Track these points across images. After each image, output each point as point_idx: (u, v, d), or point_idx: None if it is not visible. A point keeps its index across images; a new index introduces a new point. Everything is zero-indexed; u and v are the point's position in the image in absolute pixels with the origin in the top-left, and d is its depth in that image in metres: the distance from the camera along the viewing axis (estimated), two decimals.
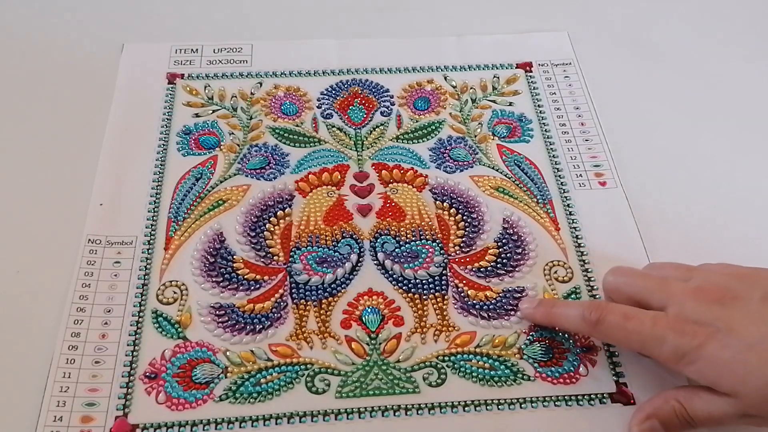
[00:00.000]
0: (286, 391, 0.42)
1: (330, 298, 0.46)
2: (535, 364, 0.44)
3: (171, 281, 0.47)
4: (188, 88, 0.58)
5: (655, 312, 0.39)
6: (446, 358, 0.44)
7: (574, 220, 0.51)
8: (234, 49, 0.60)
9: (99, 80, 0.58)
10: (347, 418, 0.41)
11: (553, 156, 0.54)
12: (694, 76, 0.61)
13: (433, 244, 0.49)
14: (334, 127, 0.56)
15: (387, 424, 0.41)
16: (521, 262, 0.48)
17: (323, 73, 0.59)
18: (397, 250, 0.49)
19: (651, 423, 0.39)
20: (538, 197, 0.52)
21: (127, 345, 0.44)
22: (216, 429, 0.41)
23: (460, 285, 0.47)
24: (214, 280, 0.47)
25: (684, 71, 0.61)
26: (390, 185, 0.52)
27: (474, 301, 0.46)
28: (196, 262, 0.48)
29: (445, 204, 0.51)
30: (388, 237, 0.49)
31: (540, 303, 0.45)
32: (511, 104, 0.58)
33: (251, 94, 0.58)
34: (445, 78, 0.59)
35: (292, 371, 0.43)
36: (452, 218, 0.51)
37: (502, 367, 0.44)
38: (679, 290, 0.40)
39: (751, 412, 0.37)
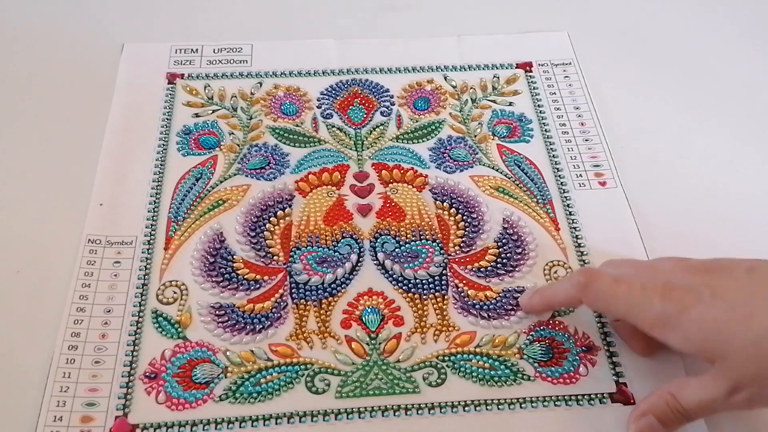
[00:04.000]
0: (286, 391, 0.42)
1: (330, 298, 0.46)
2: (535, 364, 0.44)
3: (171, 281, 0.47)
4: (188, 88, 0.58)
5: (645, 280, 0.40)
6: (446, 358, 0.44)
7: (574, 220, 0.51)
8: (234, 49, 0.60)
9: (99, 80, 0.58)
10: (347, 418, 0.41)
11: (553, 156, 0.54)
12: (694, 76, 0.61)
13: (433, 244, 0.49)
14: (334, 127, 0.56)
15: (387, 424, 0.41)
16: (521, 262, 0.48)
17: (323, 73, 0.59)
18: (397, 250, 0.49)
19: (647, 419, 0.39)
20: (538, 197, 0.52)
21: (127, 345, 0.44)
22: (216, 429, 0.41)
23: (460, 285, 0.47)
24: (214, 280, 0.47)
25: (684, 71, 0.61)
26: (390, 185, 0.52)
27: (474, 301, 0.46)
28: (196, 262, 0.48)
29: (445, 204, 0.51)
30: (388, 237, 0.49)
31: (536, 291, 0.46)
32: (511, 104, 0.58)
33: (251, 94, 0.58)
34: (445, 78, 0.59)
35: (292, 371, 0.43)
36: (452, 218, 0.51)
37: (502, 367, 0.44)
38: (667, 265, 0.41)
39: (738, 379, 0.36)
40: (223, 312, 0.45)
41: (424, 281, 0.47)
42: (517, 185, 0.52)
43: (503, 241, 0.49)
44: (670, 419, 0.39)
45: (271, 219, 0.50)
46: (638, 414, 0.40)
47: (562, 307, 0.46)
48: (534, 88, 0.59)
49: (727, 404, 0.37)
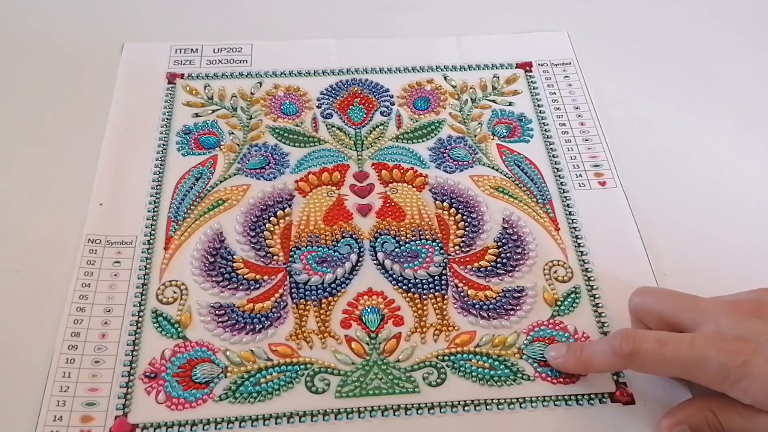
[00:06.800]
0: (285, 391, 0.42)
1: (330, 298, 0.46)
2: (535, 364, 0.44)
3: (171, 281, 0.47)
4: (188, 88, 0.58)
5: (690, 334, 0.38)
6: (446, 358, 0.44)
7: (574, 220, 0.50)
8: (234, 49, 0.60)
9: (99, 80, 0.58)
10: (347, 418, 0.41)
11: (553, 156, 0.54)
12: (694, 75, 0.61)
13: (433, 243, 0.49)
14: (333, 126, 0.56)
15: (387, 423, 0.41)
16: (521, 262, 0.48)
17: (323, 73, 0.59)
18: (396, 249, 0.49)
19: (682, 428, 0.39)
20: (538, 197, 0.52)
21: (127, 345, 0.44)
22: (216, 429, 0.41)
23: (460, 285, 0.47)
24: (214, 279, 0.47)
25: (684, 71, 0.61)
26: (390, 185, 0.52)
27: (474, 301, 0.46)
28: (196, 261, 0.48)
29: (444, 204, 0.51)
30: (388, 237, 0.49)
31: (568, 349, 0.43)
32: (510, 104, 0.58)
33: (251, 93, 0.58)
34: (445, 78, 0.59)
35: (291, 371, 0.43)
36: (452, 218, 0.51)
37: (502, 366, 0.44)
38: (711, 306, 0.39)
39: None
40: (223, 312, 0.45)
41: (423, 281, 0.47)
42: (517, 185, 0.52)
43: (503, 240, 0.49)
44: None
45: (271, 219, 0.50)
46: (673, 422, 0.39)
47: (603, 372, 0.43)
48: (534, 88, 0.59)
49: None
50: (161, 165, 0.52)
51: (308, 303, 0.46)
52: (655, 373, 0.41)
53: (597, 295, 0.47)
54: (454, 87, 0.59)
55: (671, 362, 0.37)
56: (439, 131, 0.56)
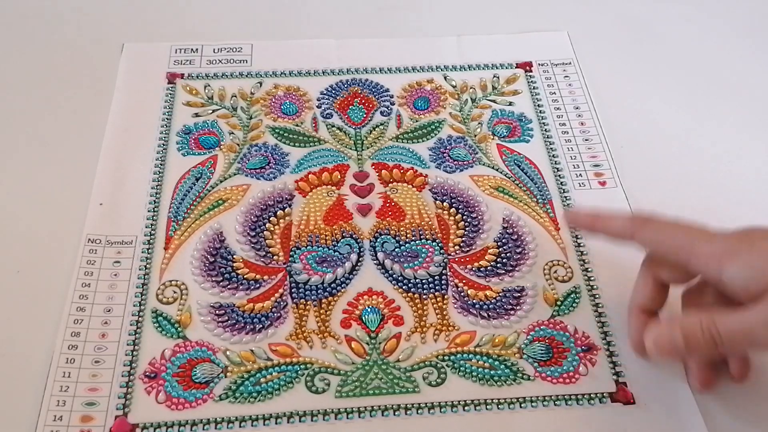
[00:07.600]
0: (285, 391, 0.42)
1: (330, 298, 0.46)
2: (535, 364, 0.44)
3: (171, 281, 0.47)
4: (188, 88, 0.58)
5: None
6: (446, 358, 0.44)
7: None
8: (234, 49, 0.60)
9: (99, 80, 0.58)
10: (347, 418, 0.41)
11: (553, 156, 0.54)
12: (694, 75, 0.61)
13: (433, 243, 0.49)
14: (334, 126, 0.56)
15: (387, 423, 0.41)
16: (521, 262, 0.48)
17: (323, 72, 0.59)
18: (396, 249, 0.49)
19: (672, 332, 0.38)
20: (538, 197, 0.52)
21: (127, 344, 0.44)
22: (216, 428, 0.41)
23: (460, 284, 0.47)
24: (213, 279, 0.47)
25: (684, 71, 0.61)
26: (390, 185, 0.52)
27: (474, 301, 0.46)
28: (196, 261, 0.48)
29: (444, 204, 0.51)
30: (388, 237, 0.49)
31: (584, 210, 0.46)
32: (511, 104, 0.58)
33: (251, 93, 0.58)
34: (445, 78, 0.59)
35: (291, 371, 0.43)
36: (452, 218, 0.51)
37: (502, 366, 0.44)
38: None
39: None
40: (223, 311, 0.46)
41: (423, 281, 0.47)
42: (517, 185, 0.52)
43: (503, 240, 0.49)
44: (698, 341, 0.37)
45: (271, 219, 0.50)
46: (665, 325, 0.39)
47: (608, 236, 0.44)
48: (534, 88, 0.59)
49: (764, 336, 0.35)
50: (161, 165, 0.52)
51: (308, 303, 0.46)
52: (661, 246, 0.42)
53: (597, 295, 0.47)
54: (454, 87, 0.59)
55: (677, 233, 0.40)
56: (439, 131, 0.56)
